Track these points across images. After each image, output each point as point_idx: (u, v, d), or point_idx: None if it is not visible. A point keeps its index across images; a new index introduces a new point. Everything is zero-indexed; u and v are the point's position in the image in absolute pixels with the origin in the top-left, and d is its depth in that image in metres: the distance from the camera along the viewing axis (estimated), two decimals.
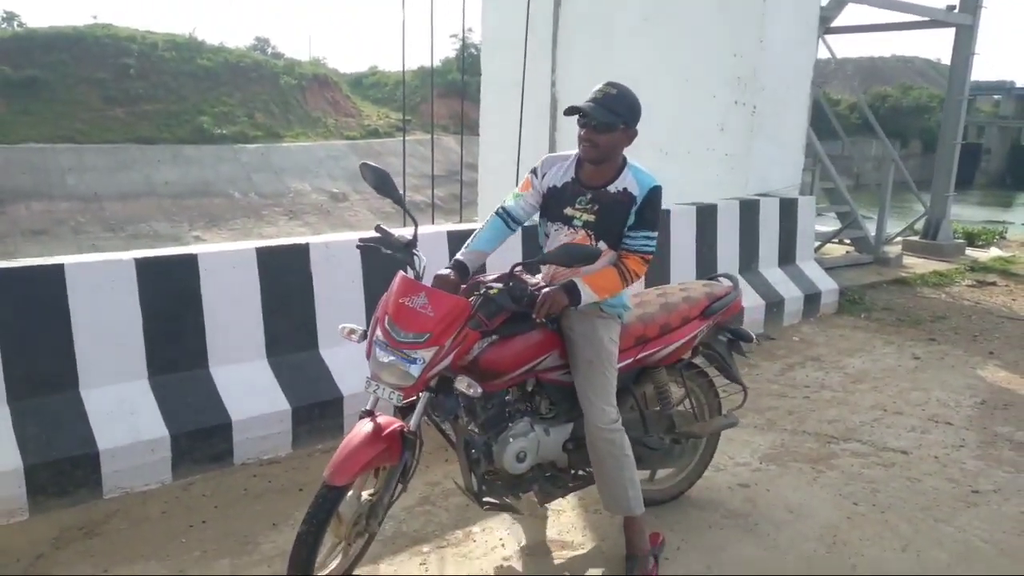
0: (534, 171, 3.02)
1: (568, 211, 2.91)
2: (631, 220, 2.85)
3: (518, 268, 2.77)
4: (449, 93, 30.01)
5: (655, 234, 2.89)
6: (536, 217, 3.08)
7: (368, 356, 2.64)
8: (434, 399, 2.71)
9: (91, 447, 3.46)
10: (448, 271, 2.81)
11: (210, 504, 3.51)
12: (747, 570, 3.12)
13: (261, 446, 3.94)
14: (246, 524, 3.35)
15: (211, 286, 3.88)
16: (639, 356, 3.15)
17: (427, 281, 2.74)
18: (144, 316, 3.70)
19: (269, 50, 44.01)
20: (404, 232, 2.90)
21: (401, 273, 2.71)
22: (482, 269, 3.08)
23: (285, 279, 4.13)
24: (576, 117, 2.79)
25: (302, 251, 4.20)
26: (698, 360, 3.53)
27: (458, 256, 2.93)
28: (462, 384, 2.61)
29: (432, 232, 4.81)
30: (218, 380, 3.90)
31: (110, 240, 22.62)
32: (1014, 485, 3.95)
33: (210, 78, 32.38)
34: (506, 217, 3.02)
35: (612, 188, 2.87)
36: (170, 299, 3.80)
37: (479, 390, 2.62)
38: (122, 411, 3.59)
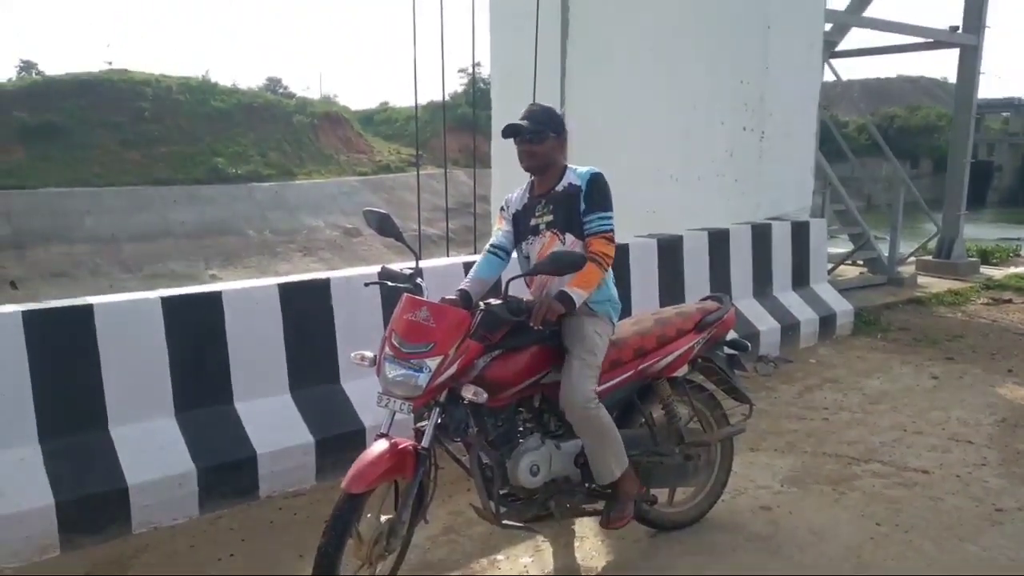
0: (502, 208, 3.39)
1: (533, 222, 3.24)
2: (582, 206, 3.13)
3: (512, 280, 2.94)
4: (460, 127, 30.36)
5: (608, 213, 3.14)
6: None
7: (378, 373, 2.80)
8: (445, 417, 2.81)
9: (121, 483, 3.52)
10: (454, 297, 3.07)
11: (237, 537, 3.56)
12: None
13: (286, 479, 3.99)
14: (273, 556, 3.39)
15: (235, 323, 3.97)
16: (640, 367, 3.29)
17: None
18: (170, 353, 3.79)
19: (281, 89, 44.73)
20: (407, 266, 3.17)
21: (406, 293, 2.92)
22: (486, 297, 3.23)
23: (307, 314, 4.22)
24: (512, 139, 3.17)
25: (323, 286, 4.29)
26: (696, 377, 3.64)
27: (461, 286, 3.22)
28: (468, 392, 2.73)
29: (447, 264, 4.92)
30: (243, 414, 3.97)
31: (128, 280, 22.89)
32: None
33: (224, 119, 32.93)
34: (496, 251, 3.35)
35: (559, 187, 3.20)
36: (195, 336, 3.89)
37: (484, 396, 2.74)
38: (150, 447, 3.66)
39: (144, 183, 28.14)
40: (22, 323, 3.44)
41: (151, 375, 3.75)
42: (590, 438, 3.06)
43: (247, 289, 4.11)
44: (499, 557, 3.39)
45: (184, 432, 3.79)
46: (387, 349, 2.78)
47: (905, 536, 3.59)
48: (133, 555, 3.39)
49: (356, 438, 4.20)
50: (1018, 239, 17.94)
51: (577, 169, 3.24)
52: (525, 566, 3.32)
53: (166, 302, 3.80)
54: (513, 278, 2.97)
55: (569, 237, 3.15)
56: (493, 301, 2.88)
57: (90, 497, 3.45)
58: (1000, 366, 6.40)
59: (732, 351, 3.69)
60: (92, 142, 29.08)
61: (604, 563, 3.35)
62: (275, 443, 3.95)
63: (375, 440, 2.76)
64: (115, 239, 25.36)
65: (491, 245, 3.35)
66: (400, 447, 2.71)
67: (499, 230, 3.38)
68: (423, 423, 2.86)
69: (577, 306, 2.98)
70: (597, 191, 3.15)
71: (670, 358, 3.36)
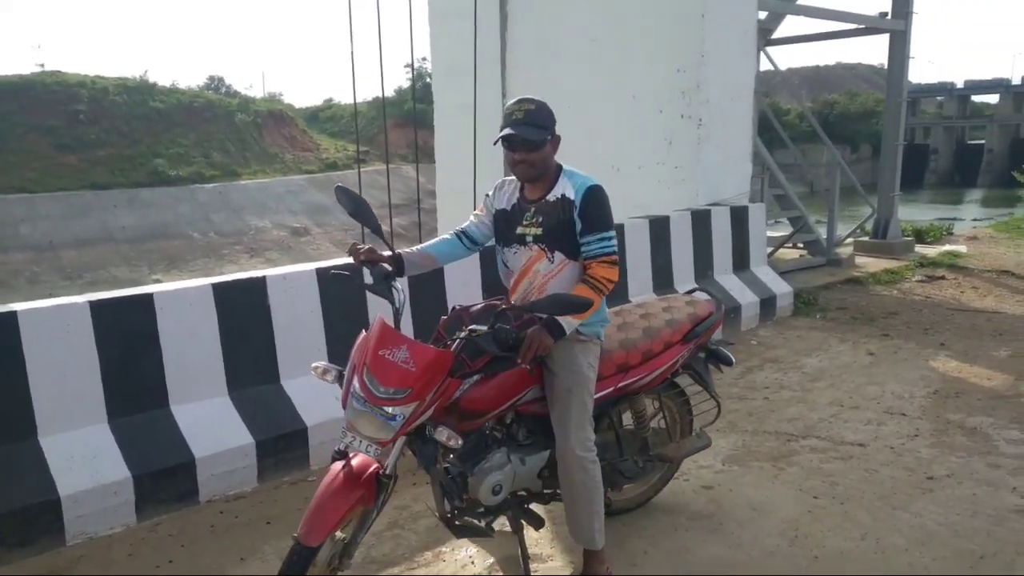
0: (488, 194, 3.10)
1: (519, 230, 2.92)
2: (578, 226, 2.82)
3: (505, 311, 2.73)
4: (406, 123, 30.14)
5: (610, 233, 2.82)
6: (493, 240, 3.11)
7: (344, 405, 2.56)
8: (412, 443, 2.67)
9: (52, 494, 3.42)
10: (379, 252, 2.84)
11: (177, 544, 3.49)
12: (713, 570, 3.18)
13: (226, 482, 3.92)
14: (214, 561, 3.33)
15: (168, 325, 3.88)
16: (620, 384, 3.12)
17: (407, 321, 2.67)
18: (101, 359, 3.69)
19: (223, 88, 43.78)
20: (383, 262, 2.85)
21: (380, 318, 2.60)
22: (419, 269, 3.03)
23: (243, 313, 4.14)
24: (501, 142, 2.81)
25: (259, 284, 4.22)
26: (677, 379, 3.52)
27: (404, 250, 2.95)
28: (442, 436, 2.57)
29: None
30: (180, 418, 3.89)
31: (68, 288, 22.20)
32: (966, 469, 4.07)
33: (164, 120, 32.12)
34: (461, 236, 3.09)
35: (551, 197, 2.87)
36: (127, 340, 3.79)
37: (459, 441, 2.58)
38: (82, 456, 3.56)
39: (82, 188, 27.31)
40: None
41: (82, 382, 3.65)
42: (577, 493, 2.86)
43: (180, 290, 4.01)
44: (444, 550, 3.38)
45: (118, 439, 3.69)
46: (356, 385, 2.50)
47: (841, 507, 3.68)
48: (67, 567, 3.31)
49: (298, 438, 4.16)
50: (952, 219, 18.53)
51: (574, 174, 2.89)
52: (471, 557, 3.32)
53: (95, 306, 3.70)
54: (504, 309, 2.74)
55: (558, 256, 2.86)
56: (479, 328, 2.62)
57: (20, 510, 3.34)
58: (933, 340, 6.61)
59: (714, 350, 3.53)
60: (25, 147, 28.09)
61: (549, 550, 3.37)
62: (214, 446, 3.88)
63: (332, 460, 2.61)
64: (53, 246, 24.59)
65: (460, 230, 3.09)
66: (361, 478, 2.55)
67: (477, 214, 3.11)
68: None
69: (567, 335, 2.77)
70: (595, 208, 2.81)
71: (654, 375, 3.21)
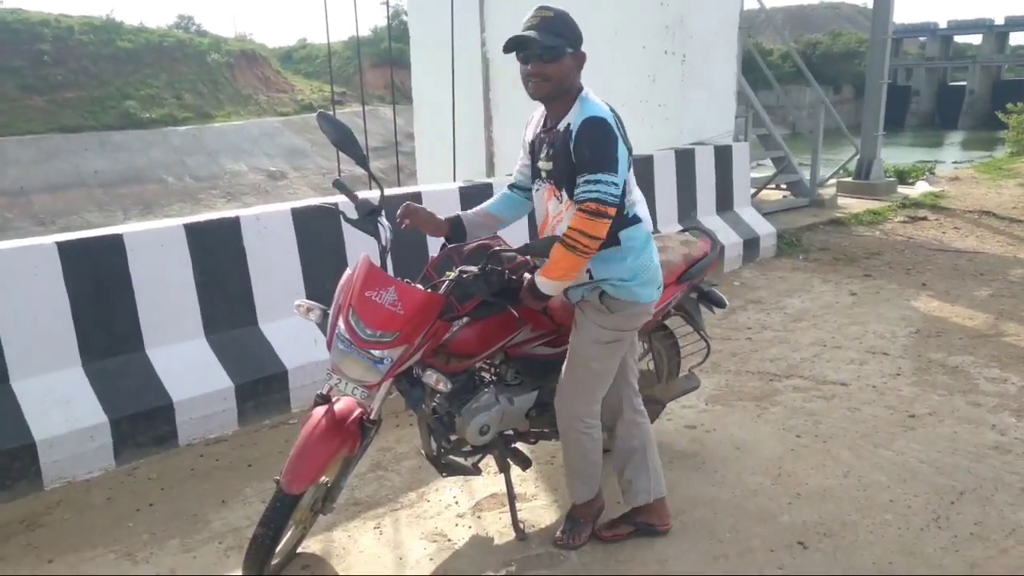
0: (524, 133, 2.79)
1: (539, 163, 2.63)
2: (574, 160, 2.45)
3: (498, 252, 2.56)
4: (382, 63, 29.47)
5: (600, 175, 2.38)
6: None
7: (328, 346, 2.47)
8: (399, 384, 2.59)
9: (27, 439, 3.35)
10: (435, 214, 2.71)
11: (156, 487, 3.45)
12: (696, 506, 3.18)
13: (206, 425, 3.86)
14: (194, 504, 3.29)
15: (140, 266, 3.77)
16: None
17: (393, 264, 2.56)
18: (72, 301, 3.58)
19: (193, 28, 42.51)
20: (369, 195, 2.73)
21: (365, 257, 2.48)
22: (484, 231, 2.88)
23: (218, 254, 4.04)
24: (515, 55, 2.48)
25: (233, 224, 4.10)
26: (667, 320, 3.45)
27: (463, 212, 2.79)
28: (431, 379, 2.51)
29: (443, 189, 4.91)
30: (156, 362, 3.81)
31: (40, 233, 21.73)
32: (947, 407, 4.10)
33: (132, 60, 31.17)
34: (513, 188, 2.88)
35: (560, 125, 2.52)
36: (98, 282, 3.68)
37: (448, 385, 2.52)
38: (56, 400, 3.48)
39: (51, 131, 26.60)
40: None
41: (52, 325, 3.55)
42: (568, 452, 2.83)
43: (151, 231, 3.89)
44: (427, 490, 3.37)
45: (93, 383, 3.61)
46: (340, 326, 2.40)
47: (824, 446, 3.70)
48: (45, 511, 3.25)
49: (278, 380, 4.10)
50: (934, 161, 18.55)
51: (587, 101, 2.50)
52: (455, 497, 3.31)
53: (63, 247, 3.58)
54: (499, 250, 2.55)
55: (565, 196, 2.53)
56: (469, 270, 2.50)
57: None
58: (915, 280, 6.62)
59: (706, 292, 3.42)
60: None
61: (533, 489, 3.36)
62: (192, 389, 3.82)
63: (314, 404, 2.56)
64: (24, 191, 24.03)
65: (510, 183, 2.87)
66: (345, 423, 2.50)
67: (519, 162, 2.81)
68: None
69: (552, 298, 2.56)
70: (587, 145, 2.40)
71: None
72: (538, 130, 2.66)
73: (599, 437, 2.83)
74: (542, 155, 2.59)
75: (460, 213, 2.80)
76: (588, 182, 2.39)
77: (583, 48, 2.51)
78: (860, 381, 4.47)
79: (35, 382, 3.49)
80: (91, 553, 2.96)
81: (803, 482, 3.37)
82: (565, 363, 2.73)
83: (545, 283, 2.49)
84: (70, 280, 3.57)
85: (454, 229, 2.76)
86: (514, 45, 2.43)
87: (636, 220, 2.61)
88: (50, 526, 3.16)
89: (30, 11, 30.99)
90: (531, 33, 2.40)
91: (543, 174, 2.60)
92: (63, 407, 3.49)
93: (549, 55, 2.41)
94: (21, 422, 3.39)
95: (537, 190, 2.67)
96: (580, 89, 2.53)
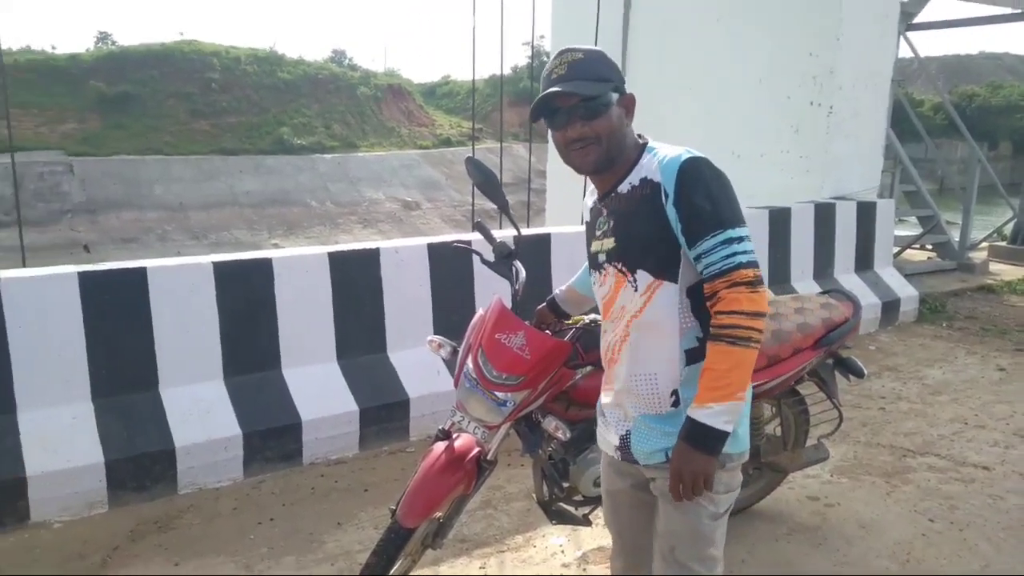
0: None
1: (594, 247, 1.99)
2: (678, 226, 1.77)
3: None
4: (521, 101, 30.19)
5: (733, 232, 1.73)
6: None
7: (456, 384, 2.51)
8: (518, 427, 2.60)
9: (168, 444, 3.61)
10: (544, 309, 2.62)
11: (278, 502, 3.62)
12: None
13: (329, 446, 4.03)
14: (312, 522, 3.43)
15: (285, 290, 4.00)
16: None
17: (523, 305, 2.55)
18: (221, 318, 3.85)
19: (346, 62, 45.12)
20: (506, 238, 2.77)
21: (498, 299, 2.48)
22: (573, 307, 2.75)
23: (356, 283, 4.23)
24: (543, 121, 1.87)
25: (373, 255, 4.29)
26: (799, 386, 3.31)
27: (556, 291, 2.67)
28: (550, 426, 2.51)
29: (572, 232, 4.91)
30: (290, 381, 4.02)
31: (194, 247, 23.55)
32: None
33: (290, 90, 33.45)
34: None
35: (623, 187, 1.89)
36: (246, 302, 3.94)
37: (567, 433, 2.50)
38: (198, 410, 3.74)
39: (212, 152, 28.87)
40: (78, 284, 3.53)
41: (202, 339, 3.82)
42: None
43: (297, 256, 4.13)
44: (534, 535, 3.36)
45: (232, 396, 3.85)
46: (470, 365, 2.42)
47: (960, 534, 3.43)
48: (177, 515, 3.48)
49: (400, 409, 4.22)
50: None
51: (657, 152, 1.86)
52: (560, 545, 3.29)
53: (218, 267, 3.85)
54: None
55: (642, 277, 1.85)
56: (599, 319, 2.32)
57: (138, 456, 3.54)
58: None
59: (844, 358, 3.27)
60: (163, 112, 29.92)
61: None
62: (320, 410, 3.99)
63: (435, 440, 2.62)
64: (183, 207, 26.11)
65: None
66: (463, 460, 2.54)
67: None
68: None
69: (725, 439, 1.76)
70: (701, 190, 1.74)
71: (776, 381, 2.97)
72: (591, 203, 2.06)
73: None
74: (598, 233, 1.97)
75: (556, 297, 2.64)
76: (725, 241, 1.72)
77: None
78: (1005, 466, 4.13)
79: (181, 391, 3.76)
80: (214, 560, 3.14)
81: (934, 572, 3.14)
82: (658, 558, 2.04)
83: (717, 411, 1.71)
84: (222, 298, 3.84)
85: (558, 315, 2.63)
86: (542, 109, 1.84)
87: None
88: (180, 529, 3.37)
89: (204, 43, 33.82)
90: (562, 87, 1.80)
91: (600, 257, 1.94)
92: (203, 417, 3.73)
93: (593, 110, 1.81)
94: (165, 428, 3.65)
95: (599, 286, 1.99)
96: (642, 141, 1.92)
